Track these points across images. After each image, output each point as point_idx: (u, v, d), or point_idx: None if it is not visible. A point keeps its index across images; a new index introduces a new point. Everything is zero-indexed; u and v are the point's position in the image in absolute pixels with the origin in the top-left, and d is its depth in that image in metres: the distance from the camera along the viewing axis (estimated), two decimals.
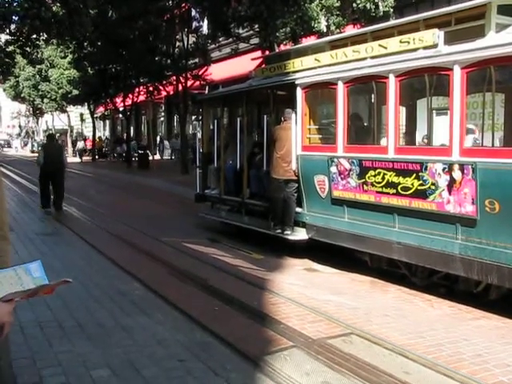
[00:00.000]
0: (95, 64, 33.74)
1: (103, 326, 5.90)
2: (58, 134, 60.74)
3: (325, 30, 16.53)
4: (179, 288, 7.58)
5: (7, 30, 23.95)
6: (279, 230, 9.87)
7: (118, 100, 38.43)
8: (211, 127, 13.15)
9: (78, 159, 45.13)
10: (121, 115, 43.42)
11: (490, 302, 7.09)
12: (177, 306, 6.62)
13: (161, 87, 31.18)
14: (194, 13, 26.78)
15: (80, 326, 5.85)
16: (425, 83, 7.67)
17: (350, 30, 15.15)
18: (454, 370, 4.96)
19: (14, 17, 22.91)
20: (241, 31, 22.71)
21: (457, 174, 6.82)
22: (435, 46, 7.23)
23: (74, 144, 52.94)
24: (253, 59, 15.73)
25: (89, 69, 35.90)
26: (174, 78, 28.38)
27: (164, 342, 5.43)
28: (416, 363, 5.14)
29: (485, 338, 6.01)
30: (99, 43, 30.75)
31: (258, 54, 19.59)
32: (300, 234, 9.64)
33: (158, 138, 42.84)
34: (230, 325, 6.05)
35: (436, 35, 7.23)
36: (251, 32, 22.09)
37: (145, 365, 4.88)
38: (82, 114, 53.95)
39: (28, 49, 25.44)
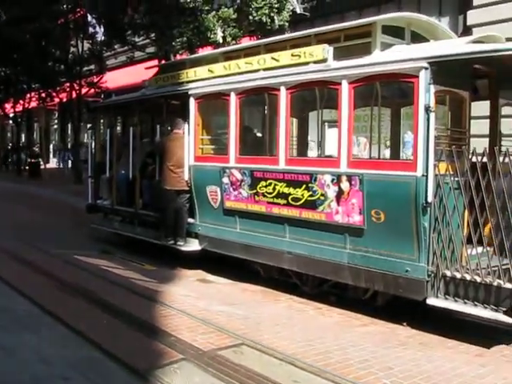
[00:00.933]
0: None
1: None
2: None
3: (221, 41, 16.63)
4: (67, 302, 7.27)
5: None
6: (172, 241, 9.80)
7: (8, 105, 36.74)
8: (104, 136, 12.89)
9: None
10: (11, 121, 41.55)
11: (377, 309, 7.34)
12: (64, 321, 6.32)
13: (54, 94, 30.11)
14: (89, 18, 26.17)
15: None
16: (315, 96, 7.87)
17: (246, 42, 15.33)
18: (341, 376, 5.07)
19: None
20: (137, 39, 22.43)
21: (345, 185, 7.04)
22: (325, 60, 7.44)
23: None
24: (147, 68, 15.55)
25: None
26: (68, 84, 27.55)
27: (48, 360, 5.17)
28: (305, 371, 5.20)
29: (371, 343, 6.20)
30: None
31: (155, 63, 19.41)
32: (193, 245, 9.61)
33: (52, 146, 41.34)
34: (120, 339, 5.88)
35: (326, 50, 7.44)
36: (148, 40, 21.90)
37: None
38: None
39: None
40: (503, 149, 7.05)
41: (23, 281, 8.17)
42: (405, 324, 6.99)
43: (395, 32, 7.68)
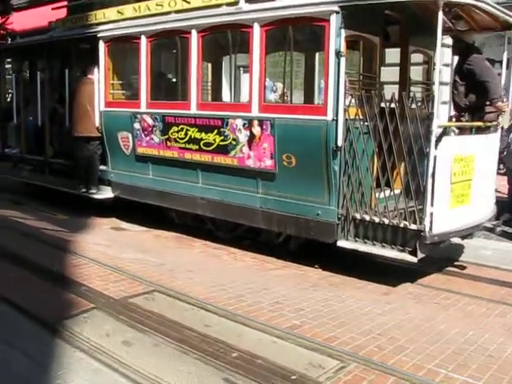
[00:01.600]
0: None
1: None
2: None
3: None
4: None
5: None
6: (84, 189, 9.60)
7: None
8: (11, 81, 12.32)
9: None
10: None
11: (290, 252, 7.47)
12: None
13: None
14: None
15: None
16: (228, 40, 7.72)
17: None
18: (253, 319, 5.16)
19: None
20: None
21: (256, 130, 7.03)
22: (237, 3, 7.30)
23: None
24: (54, 9, 14.72)
25: None
26: None
27: None
28: (217, 315, 5.25)
29: (283, 286, 6.32)
30: None
31: (64, 4, 18.50)
32: (105, 193, 9.45)
33: None
34: (28, 291, 5.71)
35: None
36: None
37: None
38: None
39: None
40: (412, 95, 7.21)
41: None
42: (317, 266, 7.17)
43: None
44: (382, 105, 6.58)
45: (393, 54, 8.02)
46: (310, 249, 7.34)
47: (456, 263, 7.34)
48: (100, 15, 9.39)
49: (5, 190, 12.03)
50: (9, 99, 13.07)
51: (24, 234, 8.12)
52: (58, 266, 6.58)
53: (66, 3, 17.41)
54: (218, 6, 7.53)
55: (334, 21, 6.31)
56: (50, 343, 4.55)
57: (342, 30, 6.31)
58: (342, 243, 6.67)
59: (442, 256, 7.19)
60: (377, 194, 6.55)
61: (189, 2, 7.89)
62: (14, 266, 6.59)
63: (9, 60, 13.26)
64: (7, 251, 7.12)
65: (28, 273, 6.35)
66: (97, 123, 9.25)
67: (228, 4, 7.41)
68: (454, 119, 7.56)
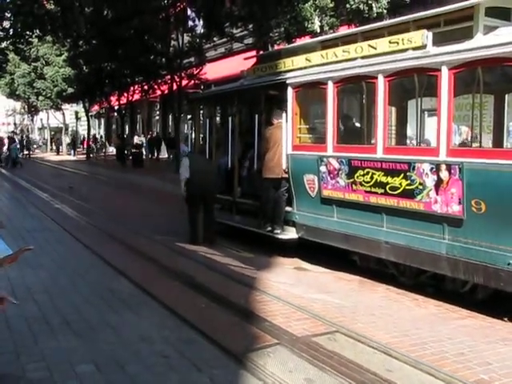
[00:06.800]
0: (90, 62, 33.66)
1: (90, 322, 5.90)
2: (52, 133, 61.05)
3: (318, 31, 16.51)
4: (168, 286, 7.56)
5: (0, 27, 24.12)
6: (269, 229, 9.90)
7: (113, 98, 38.35)
8: (204, 126, 13.20)
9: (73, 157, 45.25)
10: (116, 113, 43.40)
11: (476, 302, 7.13)
12: (164, 303, 6.60)
13: (156, 86, 31.14)
14: (189, 12, 26.85)
15: (66, 323, 5.85)
16: (414, 84, 7.69)
17: (343, 31, 15.14)
18: (437, 368, 4.97)
19: (6, 13, 22.99)
20: (235, 31, 22.76)
21: (444, 174, 6.87)
22: (424, 46, 7.27)
23: (74, 143, 52.38)
24: (245, 59, 15.72)
25: (84, 67, 35.83)
26: (169, 76, 28.38)
27: (149, 339, 5.43)
28: (399, 361, 5.15)
29: (469, 337, 6.04)
30: (94, 41, 30.73)
31: (253, 53, 19.66)
32: (290, 233, 9.67)
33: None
34: (216, 322, 6.06)
35: (425, 36, 7.26)
36: (246, 32, 22.18)
37: (129, 361, 4.89)
38: (77, 112, 53.81)
39: (21, 45, 25.50)
40: None
41: (128, 264, 8.58)
42: (506, 319, 6.74)
43: (500, 13, 7.31)
44: None
45: None
46: (498, 299, 6.95)
47: None
48: (288, 63, 9.82)
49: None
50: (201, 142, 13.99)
51: (212, 269, 8.59)
52: (243, 300, 6.88)
53: (255, 53, 18.59)
54: (405, 50, 7.55)
55: None
56: (236, 373, 4.76)
57: None
58: None
59: None
60: None
61: (375, 48, 8.00)
62: (202, 296, 7.01)
63: (202, 106, 14.26)
64: (197, 283, 7.60)
65: (215, 304, 6.72)
66: (284, 166, 9.60)
67: (415, 48, 7.40)
68: None
